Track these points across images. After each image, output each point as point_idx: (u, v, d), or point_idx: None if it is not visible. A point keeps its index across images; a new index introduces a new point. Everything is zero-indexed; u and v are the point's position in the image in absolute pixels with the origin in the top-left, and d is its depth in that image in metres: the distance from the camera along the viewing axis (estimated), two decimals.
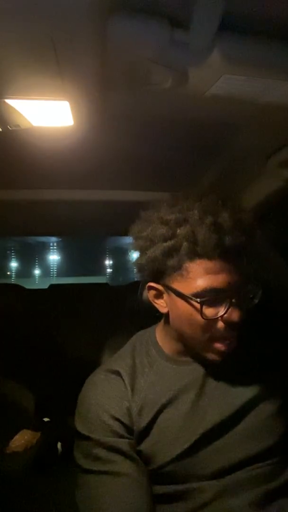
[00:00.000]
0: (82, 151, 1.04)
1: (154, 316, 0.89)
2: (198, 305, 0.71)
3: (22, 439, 1.44)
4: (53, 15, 0.53)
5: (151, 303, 0.83)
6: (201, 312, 0.71)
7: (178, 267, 0.72)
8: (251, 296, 0.75)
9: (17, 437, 1.44)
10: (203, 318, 0.71)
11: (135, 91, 0.72)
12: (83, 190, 1.40)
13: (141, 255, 0.77)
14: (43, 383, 1.68)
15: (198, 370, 0.81)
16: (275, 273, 1.44)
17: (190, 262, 0.72)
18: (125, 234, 0.84)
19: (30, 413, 1.57)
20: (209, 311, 0.72)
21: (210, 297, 0.71)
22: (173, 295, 0.75)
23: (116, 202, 1.44)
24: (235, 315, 0.71)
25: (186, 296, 0.72)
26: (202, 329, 0.73)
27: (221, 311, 0.72)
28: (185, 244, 0.71)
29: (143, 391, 0.80)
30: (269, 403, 0.80)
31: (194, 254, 0.71)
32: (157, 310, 0.86)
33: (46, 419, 1.59)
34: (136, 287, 1.10)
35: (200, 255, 0.71)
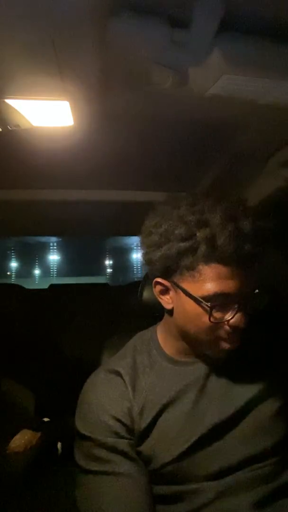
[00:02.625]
0: (82, 151, 1.04)
1: (154, 316, 0.89)
2: (207, 308, 0.71)
3: (22, 439, 1.44)
4: (53, 16, 0.53)
5: (151, 302, 0.82)
6: (209, 315, 0.71)
7: (191, 268, 0.72)
8: (258, 300, 0.76)
9: (17, 437, 1.44)
10: (210, 321, 0.71)
11: (135, 91, 0.72)
12: (83, 190, 1.40)
13: (154, 250, 0.76)
14: (43, 383, 1.68)
15: (198, 371, 0.81)
16: (275, 273, 1.44)
17: (204, 265, 0.71)
18: (125, 234, 0.84)
19: (30, 413, 1.57)
20: (216, 315, 0.72)
21: (219, 301, 0.71)
22: (181, 294, 0.75)
23: (116, 202, 1.44)
24: (241, 320, 0.72)
25: (196, 297, 0.72)
26: (207, 330, 0.74)
27: (228, 315, 0.72)
28: (203, 247, 0.70)
29: (144, 392, 0.80)
30: (269, 404, 0.79)
31: (211, 258, 0.70)
32: (157, 310, 0.86)
33: (46, 419, 1.59)
34: (136, 287, 1.10)
35: (216, 260, 0.70)
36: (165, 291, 0.79)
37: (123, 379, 0.81)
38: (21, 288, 2.27)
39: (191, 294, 0.73)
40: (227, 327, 0.73)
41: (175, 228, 0.72)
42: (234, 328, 0.73)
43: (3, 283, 2.76)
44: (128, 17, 0.55)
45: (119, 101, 0.77)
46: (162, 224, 0.75)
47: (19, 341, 1.84)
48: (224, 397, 0.79)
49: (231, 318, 0.71)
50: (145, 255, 0.79)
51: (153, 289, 0.81)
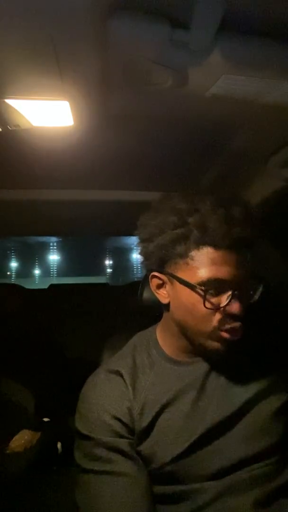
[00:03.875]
0: (82, 151, 1.04)
1: (154, 316, 0.89)
2: (201, 293, 0.72)
3: (22, 439, 1.44)
4: (53, 15, 0.53)
5: (151, 302, 0.83)
6: (204, 301, 0.72)
7: (185, 255, 0.74)
8: (251, 291, 0.76)
9: (17, 437, 1.44)
10: (205, 307, 0.72)
11: (135, 91, 0.72)
12: (83, 190, 1.40)
13: (149, 242, 0.78)
14: (43, 383, 1.68)
15: (198, 370, 0.81)
16: (276, 273, 1.44)
17: (197, 251, 0.73)
18: (125, 234, 0.85)
19: (30, 413, 1.57)
20: (211, 301, 0.72)
21: (213, 287, 0.72)
22: (176, 284, 0.76)
23: (116, 202, 1.44)
24: (236, 306, 0.72)
25: (190, 284, 0.73)
26: (204, 318, 0.74)
27: (223, 302, 0.72)
28: (195, 232, 0.72)
29: (144, 391, 0.80)
30: (269, 403, 0.80)
31: (202, 242, 0.72)
32: (157, 310, 0.86)
33: (46, 419, 1.59)
34: (136, 287, 1.10)
35: (208, 244, 0.72)
36: (161, 285, 0.80)
37: (124, 379, 0.82)
38: (21, 288, 2.27)
39: (185, 281, 0.74)
40: (223, 315, 0.73)
41: (167, 218, 0.75)
42: (230, 315, 0.73)
43: (3, 283, 2.76)
44: (128, 17, 0.55)
45: (119, 101, 0.77)
46: (155, 216, 0.78)
47: (19, 341, 1.84)
48: (223, 396, 0.79)
49: (226, 305, 0.72)
50: (141, 249, 0.81)
51: (150, 284, 0.82)
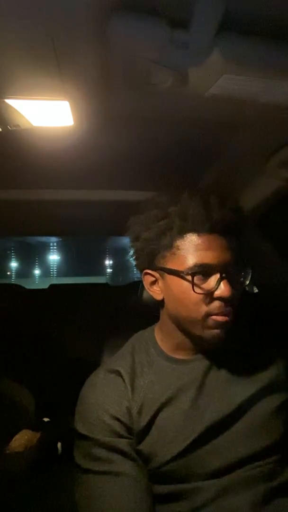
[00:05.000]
0: (82, 151, 1.04)
1: (154, 316, 0.89)
2: (189, 279, 0.74)
3: (22, 439, 1.44)
4: (53, 15, 0.53)
5: (151, 302, 0.83)
6: (192, 286, 0.73)
7: (170, 246, 0.76)
8: (241, 276, 0.79)
9: (17, 437, 1.44)
10: (195, 292, 0.73)
11: (135, 91, 0.72)
12: (83, 190, 1.40)
13: (137, 241, 0.81)
14: (43, 383, 1.68)
15: (197, 369, 0.81)
16: (275, 272, 1.44)
17: (181, 239, 0.76)
18: (125, 234, 0.85)
19: (30, 413, 1.57)
20: (200, 287, 0.74)
21: (201, 272, 0.74)
22: (167, 278, 0.78)
23: (116, 202, 1.44)
24: (226, 290, 0.73)
25: (179, 271, 0.75)
26: (195, 306, 0.75)
27: (212, 286, 0.74)
28: (177, 221, 0.75)
29: (142, 391, 0.81)
30: (268, 401, 0.80)
31: (185, 230, 0.75)
32: (156, 310, 0.86)
33: (46, 419, 1.59)
34: (136, 287, 1.10)
35: (190, 231, 0.75)
36: (154, 282, 0.82)
37: (123, 379, 0.82)
38: (21, 288, 2.27)
39: (174, 270, 0.76)
40: (214, 300, 0.74)
41: (151, 213, 0.79)
42: (220, 299, 0.74)
43: (3, 283, 2.76)
44: (128, 17, 0.55)
45: (119, 101, 0.77)
46: (140, 215, 0.81)
47: (19, 341, 1.84)
48: (222, 395, 0.79)
49: (216, 289, 0.74)
50: (131, 249, 0.85)
51: (144, 282, 0.84)
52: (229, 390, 0.79)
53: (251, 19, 0.57)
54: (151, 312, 0.89)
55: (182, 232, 0.75)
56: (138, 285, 1.09)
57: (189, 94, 0.71)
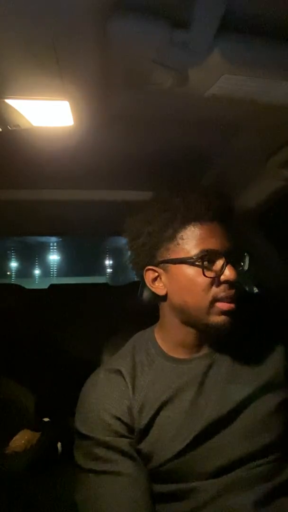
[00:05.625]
0: (82, 151, 1.04)
1: (154, 316, 0.89)
2: (199, 264, 0.76)
3: (22, 439, 1.44)
4: (53, 15, 0.53)
5: (151, 301, 0.83)
6: (203, 270, 0.75)
7: (174, 237, 0.78)
8: (241, 261, 0.84)
9: (17, 437, 1.44)
10: (205, 276, 0.75)
11: (135, 91, 0.72)
12: (83, 190, 1.40)
13: (138, 238, 0.82)
14: (43, 383, 1.68)
15: (197, 368, 0.82)
16: (275, 272, 1.44)
17: (185, 230, 0.78)
18: (123, 234, 0.85)
19: (30, 413, 1.57)
20: (208, 271, 0.76)
21: (207, 257, 0.76)
22: (171, 269, 0.79)
23: (116, 202, 1.44)
24: (231, 273, 0.76)
25: (186, 259, 0.77)
26: (203, 291, 0.76)
27: (219, 270, 0.76)
28: (181, 211, 0.77)
29: (143, 390, 0.81)
30: (268, 400, 0.80)
31: (188, 220, 0.78)
32: (157, 310, 0.87)
33: (46, 419, 1.59)
34: (136, 287, 1.10)
35: (193, 220, 0.77)
36: (156, 278, 0.82)
37: (124, 378, 0.82)
38: (21, 288, 2.27)
39: (180, 259, 0.77)
40: (220, 283, 0.76)
41: (154, 207, 0.81)
42: (227, 282, 0.76)
43: (3, 283, 2.76)
44: (128, 17, 0.55)
45: (119, 101, 0.77)
46: (139, 214, 0.83)
47: (19, 341, 1.84)
48: (222, 393, 0.79)
49: (222, 273, 0.76)
50: (130, 248, 0.85)
51: (145, 280, 0.83)
52: (229, 389, 0.80)
53: (251, 19, 0.57)
54: (151, 312, 0.89)
55: (185, 223, 0.77)
56: (138, 285, 1.09)
57: (189, 94, 0.71)
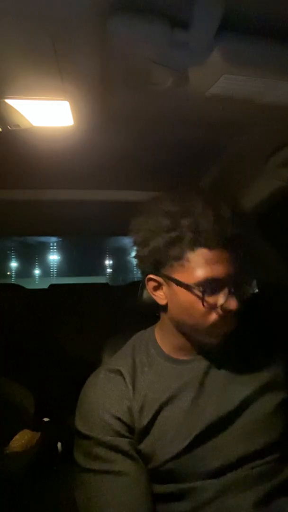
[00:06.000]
0: (82, 151, 1.04)
1: (154, 316, 0.89)
2: (199, 294, 0.73)
3: (22, 439, 1.44)
4: (53, 15, 0.53)
5: (151, 302, 0.83)
6: (202, 301, 0.73)
7: (180, 257, 0.75)
8: (247, 286, 0.79)
9: (17, 437, 1.44)
10: (204, 306, 0.73)
11: (135, 91, 0.72)
12: (83, 190, 1.40)
13: (143, 247, 0.79)
14: (43, 383, 1.68)
15: (197, 368, 0.82)
16: (275, 273, 1.44)
17: (191, 252, 0.74)
18: (125, 234, 0.85)
19: (30, 413, 1.57)
20: (209, 300, 0.74)
21: (210, 286, 0.73)
22: (173, 286, 0.77)
23: (116, 202, 1.44)
24: (233, 303, 0.74)
25: (188, 285, 0.74)
26: (202, 317, 0.75)
27: (220, 300, 0.74)
28: (188, 234, 0.73)
29: (143, 390, 0.81)
30: (268, 400, 0.80)
31: (197, 244, 0.74)
32: (157, 310, 0.87)
33: (46, 419, 1.59)
34: (136, 287, 1.10)
35: (202, 245, 0.74)
36: (158, 286, 0.81)
37: (124, 378, 0.82)
38: (21, 288, 2.27)
39: (182, 283, 0.75)
40: (220, 312, 0.75)
41: (160, 222, 0.76)
42: (227, 311, 0.74)
43: (3, 283, 2.76)
44: (128, 17, 0.55)
45: (119, 101, 0.77)
46: (147, 220, 0.78)
47: (19, 341, 1.84)
48: (222, 394, 0.79)
49: (223, 302, 0.73)
50: (135, 253, 0.82)
51: (146, 286, 0.82)
52: (229, 389, 0.80)
53: (251, 19, 0.57)
54: (151, 312, 0.89)
55: (193, 246, 0.74)
56: (138, 285, 1.09)
57: (189, 94, 0.71)
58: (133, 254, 0.85)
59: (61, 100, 0.73)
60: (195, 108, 0.79)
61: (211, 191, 0.82)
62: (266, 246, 1.41)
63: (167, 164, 1.17)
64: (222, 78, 0.65)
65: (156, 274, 0.80)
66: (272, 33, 0.59)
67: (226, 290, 0.74)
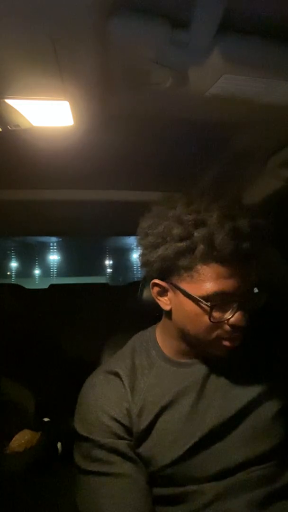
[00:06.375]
0: (82, 151, 1.04)
1: (154, 316, 0.89)
2: (206, 308, 0.70)
3: (22, 439, 1.44)
4: (53, 15, 0.53)
5: (151, 302, 0.83)
6: (209, 315, 0.70)
7: (189, 268, 0.71)
8: (257, 299, 0.75)
9: (17, 437, 1.44)
10: (210, 321, 0.71)
11: (135, 91, 0.72)
12: (83, 190, 1.40)
13: (150, 251, 0.75)
14: (43, 383, 1.68)
15: (197, 372, 0.81)
16: (275, 273, 1.44)
17: (203, 265, 0.70)
18: (125, 234, 0.85)
19: (30, 413, 1.57)
20: (216, 314, 0.71)
21: (219, 300, 0.70)
22: (179, 294, 0.74)
23: (116, 202, 1.44)
24: (241, 319, 0.71)
25: (195, 297, 0.71)
26: (207, 330, 0.73)
27: (228, 314, 0.71)
28: (201, 246, 0.69)
29: (142, 393, 0.80)
30: (268, 405, 0.79)
31: (209, 258, 0.69)
32: (157, 310, 0.86)
33: (46, 419, 1.59)
34: (136, 287, 1.10)
35: (215, 260, 0.69)
36: (163, 292, 0.78)
37: (122, 380, 0.81)
38: (21, 288, 2.27)
39: (190, 295, 0.72)
40: (227, 326, 0.72)
41: (172, 229, 0.71)
42: (234, 327, 0.72)
43: (3, 283, 2.76)
44: (128, 17, 0.55)
45: (119, 101, 0.77)
46: (158, 225, 0.74)
47: (19, 341, 1.84)
48: (223, 398, 0.78)
49: (231, 317, 0.71)
50: (142, 256, 0.78)
51: (151, 290, 0.80)
52: (229, 394, 0.79)
53: (251, 19, 0.57)
54: (151, 312, 0.89)
55: (205, 259, 0.69)
56: (138, 285, 1.09)
57: (189, 94, 0.71)
58: (138, 255, 0.81)
59: (61, 100, 0.73)
60: (195, 108, 0.79)
61: (230, 197, 0.75)
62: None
63: (167, 164, 1.17)
64: (222, 78, 0.65)
65: (162, 280, 0.77)
66: (272, 33, 0.59)
67: (235, 306, 0.71)
